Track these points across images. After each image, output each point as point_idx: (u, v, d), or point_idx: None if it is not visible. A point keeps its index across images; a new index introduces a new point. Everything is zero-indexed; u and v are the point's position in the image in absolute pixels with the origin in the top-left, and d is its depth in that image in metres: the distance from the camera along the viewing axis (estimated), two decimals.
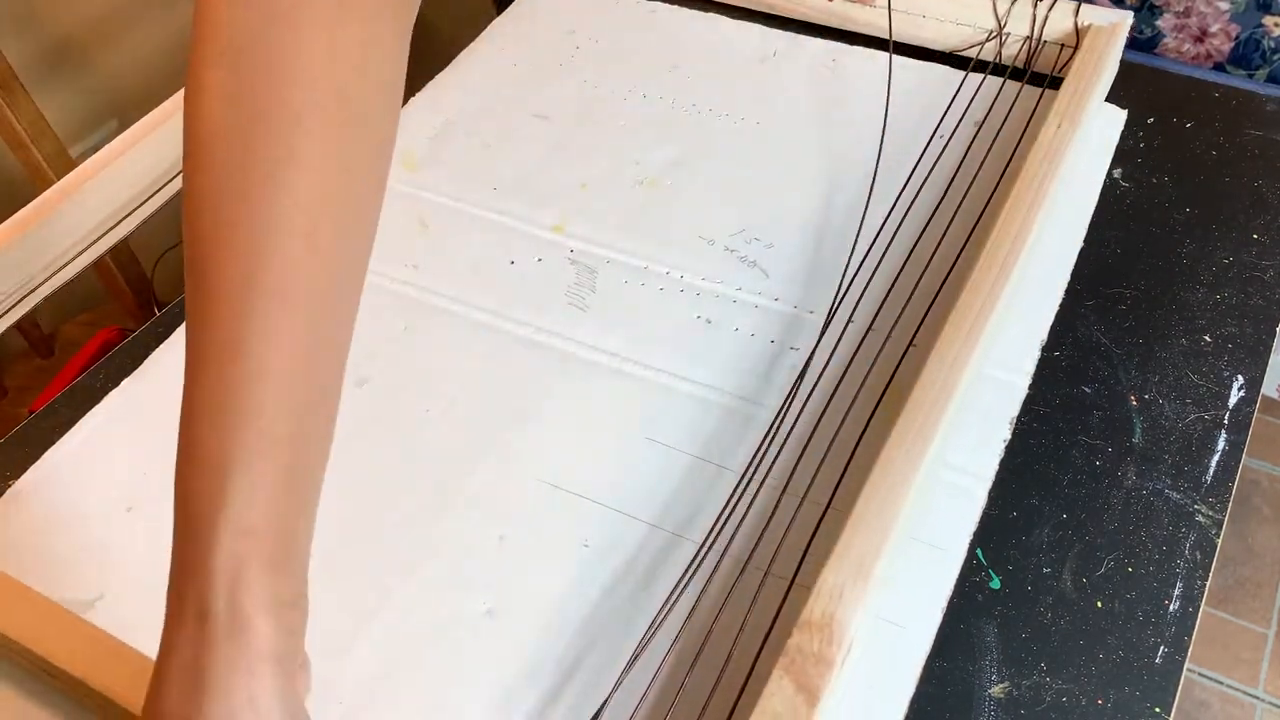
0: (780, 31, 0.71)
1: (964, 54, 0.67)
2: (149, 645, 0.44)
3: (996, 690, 0.41)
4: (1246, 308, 0.53)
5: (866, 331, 0.53)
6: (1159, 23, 0.75)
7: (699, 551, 0.45)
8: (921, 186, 0.60)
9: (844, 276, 0.55)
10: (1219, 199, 0.59)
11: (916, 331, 0.52)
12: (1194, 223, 0.58)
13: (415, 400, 0.53)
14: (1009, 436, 0.49)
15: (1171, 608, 0.43)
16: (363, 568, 0.47)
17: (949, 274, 0.55)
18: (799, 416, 0.50)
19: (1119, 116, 0.63)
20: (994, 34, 0.66)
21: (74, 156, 0.96)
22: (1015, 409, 0.50)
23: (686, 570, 0.45)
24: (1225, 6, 0.73)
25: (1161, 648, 0.42)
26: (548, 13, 0.75)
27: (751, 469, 0.48)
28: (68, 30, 1.17)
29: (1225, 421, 0.49)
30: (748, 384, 0.52)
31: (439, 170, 0.65)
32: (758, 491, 0.47)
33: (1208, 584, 0.44)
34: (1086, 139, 0.60)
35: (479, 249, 0.60)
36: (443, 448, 0.51)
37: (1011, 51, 0.66)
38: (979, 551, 0.45)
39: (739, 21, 0.72)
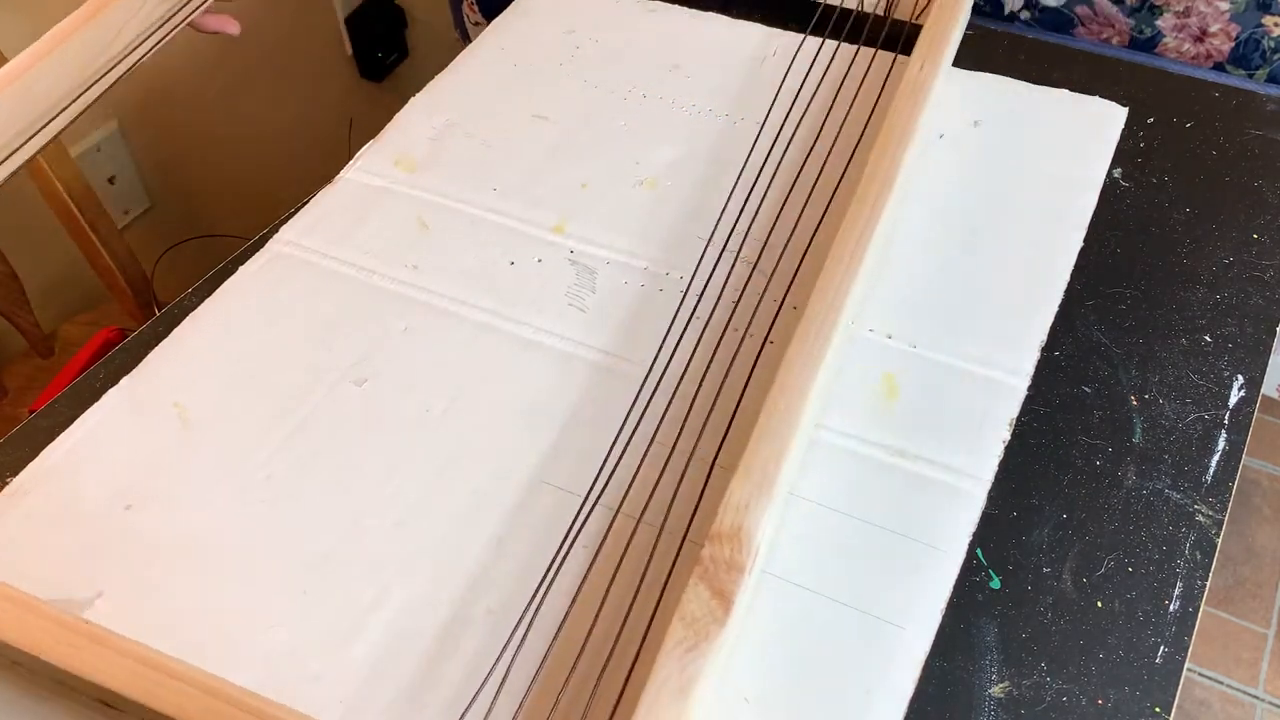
0: (781, 31, 0.71)
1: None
2: (148, 643, 0.44)
3: (996, 690, 0.41)
4: (1246, 308, 0.53)
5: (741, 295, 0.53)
6: (1159, 23, 0.75)
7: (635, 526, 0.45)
8: (787, 148, 0.62)
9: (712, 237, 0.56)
10: (1219, 199, 0.59)
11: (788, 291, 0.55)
12: (1194, 223, 0.58)
13: (414, 400, 0.53)
14: (1008, 437, 0.49)
15: (1171, 608, 0.43)
16: (360, 566, 0.47)
17: (818, 226, 0.58)
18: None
19: (1119, 115, 0.63)
20: None
21: (74, 156, 0.96)
22: (1015, 410, 0.50)
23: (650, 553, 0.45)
24: (1225, 6, 0.73)
25: (1161, 648, 0.42)
26: (548, 12, 0.75)
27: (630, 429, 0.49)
28: None
29: (1225, 421, 0.49)
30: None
31: (439, 171, 0.65)
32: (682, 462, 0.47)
33: (1208, 584, 0.44)
34: (948, 82, 0.63)
35: (479, 249, 0.60)
36: (441, 447, 0.51)
37: (870, 2, 0.68)
38: (979, 551, 0.45)
39: (739, 21, 0.72)
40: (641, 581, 0.45)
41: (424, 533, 0.48)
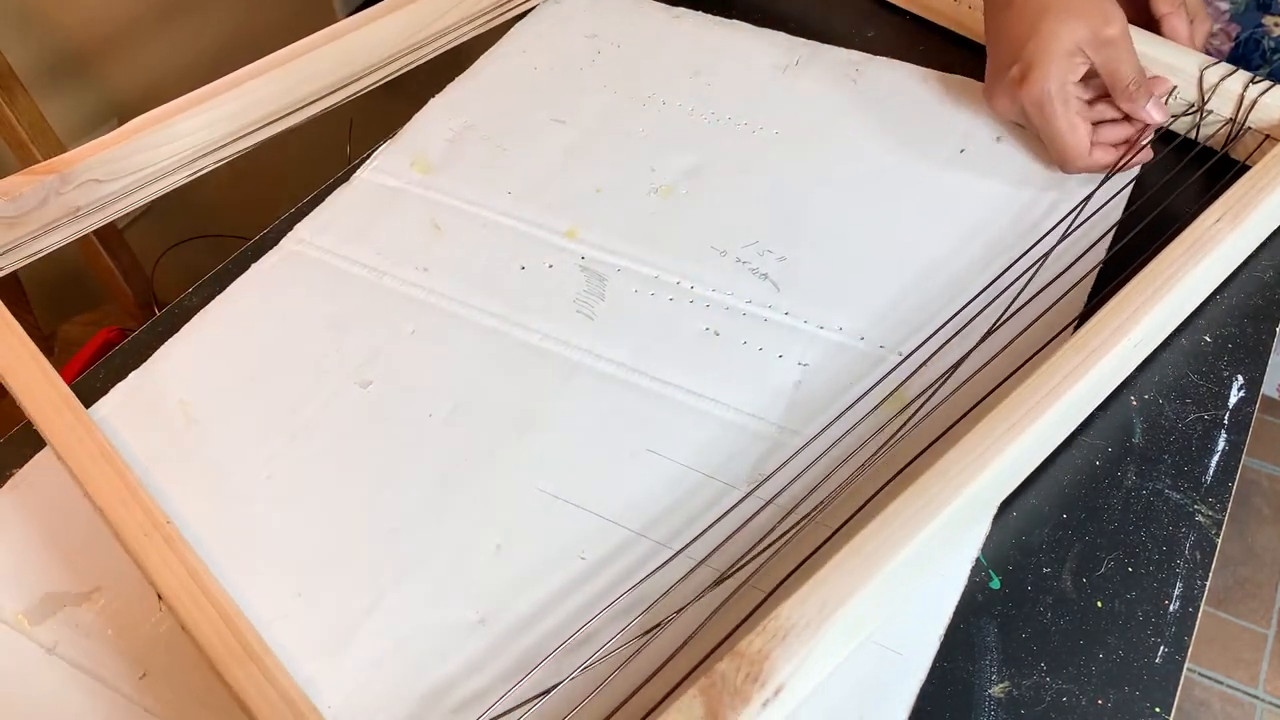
0: (803, 40, 0.71)
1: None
2: (144, 639, 0.44)
3: (996, 690, 0.41)
4: (1246, 308, 0.53)
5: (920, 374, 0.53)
6: None
7: (671, 558, 0.45)
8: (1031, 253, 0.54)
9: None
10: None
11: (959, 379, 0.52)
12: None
13: (418, 403, 0.52)
14: None
15: (1171, 608, 0.43)
16: (357, 569, 0.47)
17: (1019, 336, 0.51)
18: (836, 443, 0.50)
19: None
20: (1193, 108, 0.59)
21: None
22: None
23: (652, 573, 0.45)
24: (1225, 6, 0.73)
25: (1161, 648, 0.42)
26: (570, 17, 0.75)
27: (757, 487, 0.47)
28: (68, 31, 1.17)
29: (1225, 421, 0.49)
30: (753, 398, 0.51)
31: (454, 173, 0.65)
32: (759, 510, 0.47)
33: (1208, 584, 0.44)
34: (1246, 244, 0.53)
35: (490, 253, 0.60)
36: (443, 452, 0.50)
37: (1208, 133, 0.59)
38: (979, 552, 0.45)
39: (762, 30, 0.72)
40: (644, 606, 0.45)
41: (421, 539, 0.47)
